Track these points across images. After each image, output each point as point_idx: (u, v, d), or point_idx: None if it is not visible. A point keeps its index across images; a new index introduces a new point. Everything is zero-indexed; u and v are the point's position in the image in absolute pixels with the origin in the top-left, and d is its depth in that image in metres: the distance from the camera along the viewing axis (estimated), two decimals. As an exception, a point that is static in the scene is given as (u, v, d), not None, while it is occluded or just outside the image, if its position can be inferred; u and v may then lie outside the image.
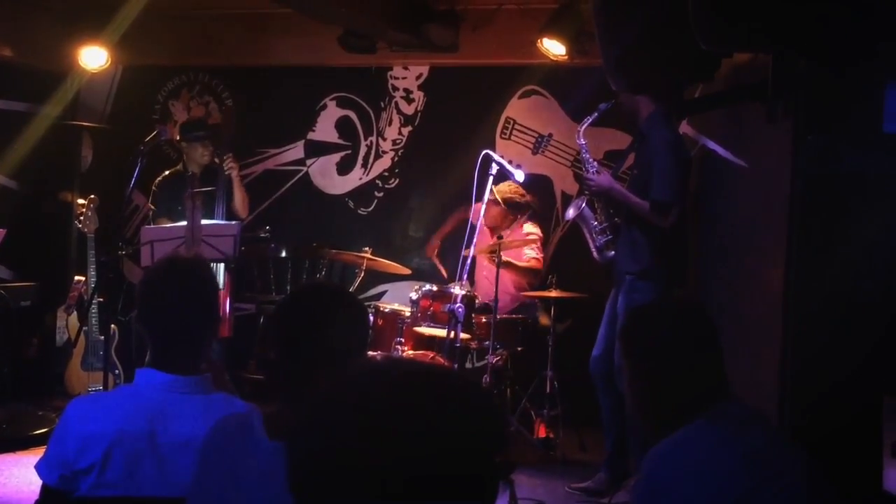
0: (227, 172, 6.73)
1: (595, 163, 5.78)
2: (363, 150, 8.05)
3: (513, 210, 6.91)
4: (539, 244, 6.98)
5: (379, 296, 7.81)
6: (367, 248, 7.18)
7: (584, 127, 5.80)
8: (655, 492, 2.27)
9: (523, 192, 6.91)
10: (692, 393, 2.38)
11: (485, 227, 6.80)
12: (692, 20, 3.72)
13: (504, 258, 6.54)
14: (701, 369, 2.40)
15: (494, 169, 6.32)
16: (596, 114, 5.73)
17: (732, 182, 5.35)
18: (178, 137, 6.90)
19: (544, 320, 6.68)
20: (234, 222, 6.55)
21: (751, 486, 2.22)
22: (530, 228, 7.00)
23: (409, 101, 7.92)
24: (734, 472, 2.23)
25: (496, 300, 6.26)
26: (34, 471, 2.65)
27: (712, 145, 5.76)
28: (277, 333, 2.33)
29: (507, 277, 6.85)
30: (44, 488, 2.63)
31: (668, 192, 5.35)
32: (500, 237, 6.48)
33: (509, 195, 6.84)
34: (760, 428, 2.40)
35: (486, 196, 6.34)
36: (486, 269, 6.98)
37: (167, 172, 6.96)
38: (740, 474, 2.23)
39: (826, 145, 3.84)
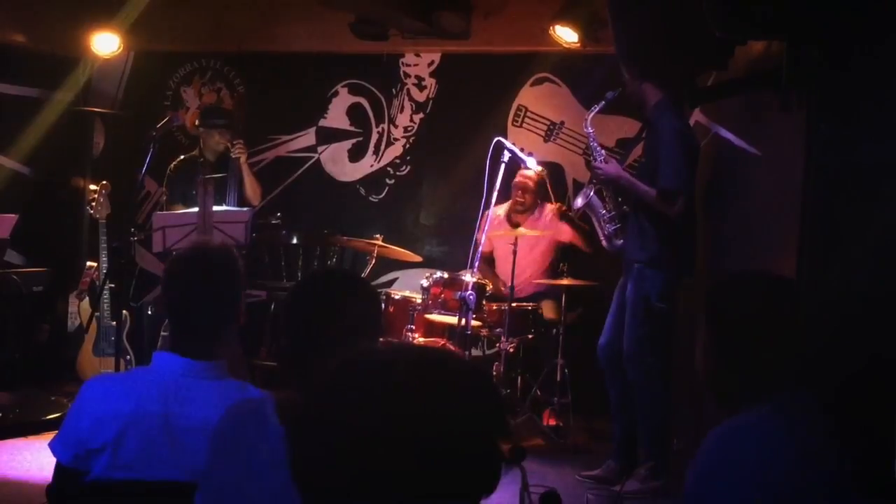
0: (234, 157, 6.73)
1: (603, 151, 5.78)
2: (375, 137, 8.04)
3: (540, 193, 6.96)
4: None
5: (390, 283, 7.81)
6: (378, 236, 7.18)
7: (591, 115, 5.78)
8: (710, 473, 2.19)
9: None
10: (766, 372, 2.28)
11: (503, 215, 6.87)
12: (706, 7, 3.70)
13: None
14: (780, 350, 2.29)
15: (506, 156, 6.33)
16: (603, 102, 5.72)
17: (745, 171, 5.33)
18: (197, 122, 6.91)
19: (550, 313, 6.67)
20: (245, 209, 6.57)
21: (803, 486, 2.16)
22: (551, 207, 7.02)
23: (421, 88, 7.90)
24: (789, 469, 2.15)
25: (512, 287, 6.27)
26: (45, 455, 2.67)
27: (725, 134, 5.74)
28: (290, 319, 2.34)
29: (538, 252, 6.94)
30: (57, 467, 2.65)
31: (675, 180, 5.34)
32: (517, 225, 6.47)
33: (542, 178, 6.90)
34: (823, 424, 2.29)
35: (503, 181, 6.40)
36: (506, 251, 6.82)
37: (182, 157, 6.98)
38: (795, 473, 2.15)
39: (840, 134, 3.81)
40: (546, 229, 6.90)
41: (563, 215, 6.93)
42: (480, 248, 6.41)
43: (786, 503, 2.13)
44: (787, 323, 2.32)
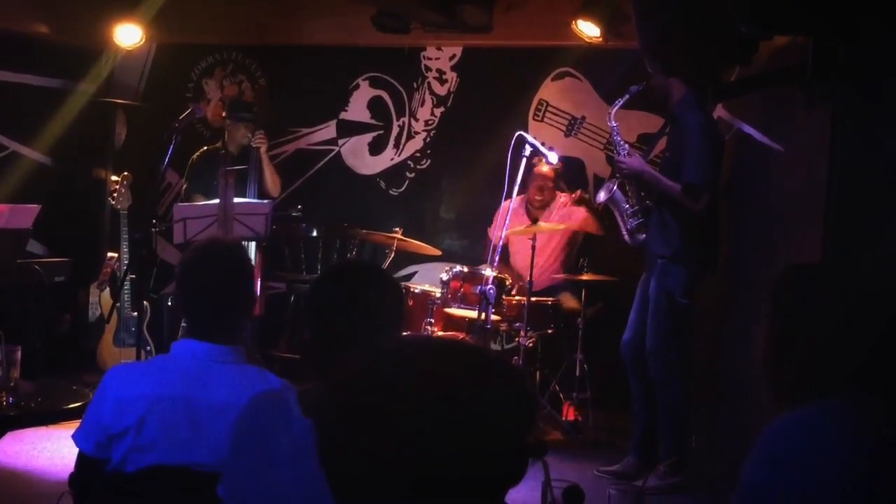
0: (254, 146, 6.74)
1: (626, 145, 5.76)
2: (395, 130, 8.04)
3: (558, 181, 7.00)
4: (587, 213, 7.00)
5: (409, 277, 7.81)
6: (397, 229, 7.18)
7: (614, 109, 5.77)
8: (773, 462, 2.10)
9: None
10: (830, 365, 2.19)
11: (520, 210, 6.86)
12: (731, 2, 3.69)
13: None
14: (845, 343, 2.18)
15: (527, 150, 6.31)
16: (627, 96, 5.71)
17: (768, 167, 5.31)
18: (224, 115, 6.91)
19: (570, 303, 6.65)
20: (266, 201, 6.58)
21: (866, 484, 2.05)
22: (565, 197, 7.03)
23: (442, 81, 7.89)
24: (853, 466, 2.05)
25: (530, 282, 6.25)
26: (67, 444, 2.70)
27: (748, 129, 5.71)
28: (312, 311, 2.34)
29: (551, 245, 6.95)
30: (80, 457, 2.67)
31: (700, 175, 5.32)
32: (535, 220, 6.46)
33: (558, 168, 6.92)
34: (892, 430, 2.22)
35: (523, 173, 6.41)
36: (523, 246, 6.84)
37: (205, 148, 7.00)
38: (859, 470, 2.05)
39: (865, 130, 3.79)
40: (560, 220, 6.89)
41: (580, 200, 6.93)
42: (493, 244, 6.39)
43: (847, 499, 2.05)
44: (852, 316, 2.21)
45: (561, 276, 6.82)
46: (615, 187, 5.75)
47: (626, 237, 5.78)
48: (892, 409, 2.15)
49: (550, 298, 6.65)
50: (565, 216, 6.90)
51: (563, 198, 7.00)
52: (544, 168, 6.79)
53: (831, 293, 2.25)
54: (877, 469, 2.06)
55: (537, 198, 6.89)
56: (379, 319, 2.26)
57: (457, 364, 1.36)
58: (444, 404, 1.30)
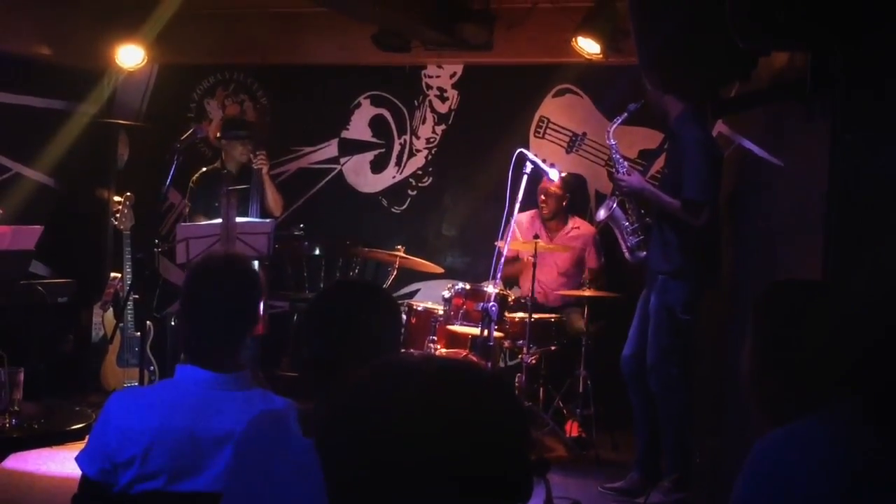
0: (256, 168, 6.77)
1: (626, 162, 5.78)
2: (397, 148, 8.06)
3: (566, 201, 7.05)
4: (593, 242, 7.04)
5: (412, 294, 7.82)
6: (400, 247, 7.19)
7: (613, 127, 5.78)
8: (758, 484, 2.14)
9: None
10: (812, 380, 2.22)
11: (535, 221, 7.02)
12: (730, 18, 3.70)
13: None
14: (825, 358, 2.21)
15: (528, 168, 6.33)
16: (625, 114, 5.73)
17: (769, 182, 5.31)
18: (218, 134, 6.94)
19: (578, 323, 6.65)
20: (268, 220, 6.60)
21: (854, 499, 2.09)
22: (577, 221, 7.12)
23: (443, 99, 7.91)
24: (840, 482, 2.06)
25: (532, 297, 6.25)
26: (70, 465, 2.68)
27: (748, 144, 5.71)
28: (311, 330, 2.34)
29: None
30: (83, 480, 2.66)
31: (699, 191, 5.32)
32: (535, 237, 6.47)
33: (564, 185, 6.98)
34: (875, 435, 2.16)
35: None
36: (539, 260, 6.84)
37: (205, 169, 7.02)
38: (846, 485, 2.05)
39: (864, 143, 3.79)
40: (573, 243, 6.92)
41: (596, 241, 7.01)
42: (504, 255, 6.41)
43: None
44: (833, 330, 2.23)
45: (565, 292, 6.82)
46: (615, 205, 5.76)
47: (627, 255, 5.78)
48: (877, 423, 2.17)
49: (554, 315, 6.65)
50: (578, 244, 6.95)
51: (585, 225, 7.05)
52: (552, 179, 6.84)
53: (814, 309, 2.27)
54: (865, 484, 2.07)
55: (541, 205, 6.98)
56: (376, 338, 2.26)
57: (458, 384, 1.36)
58: (446, 423, 1.31)
